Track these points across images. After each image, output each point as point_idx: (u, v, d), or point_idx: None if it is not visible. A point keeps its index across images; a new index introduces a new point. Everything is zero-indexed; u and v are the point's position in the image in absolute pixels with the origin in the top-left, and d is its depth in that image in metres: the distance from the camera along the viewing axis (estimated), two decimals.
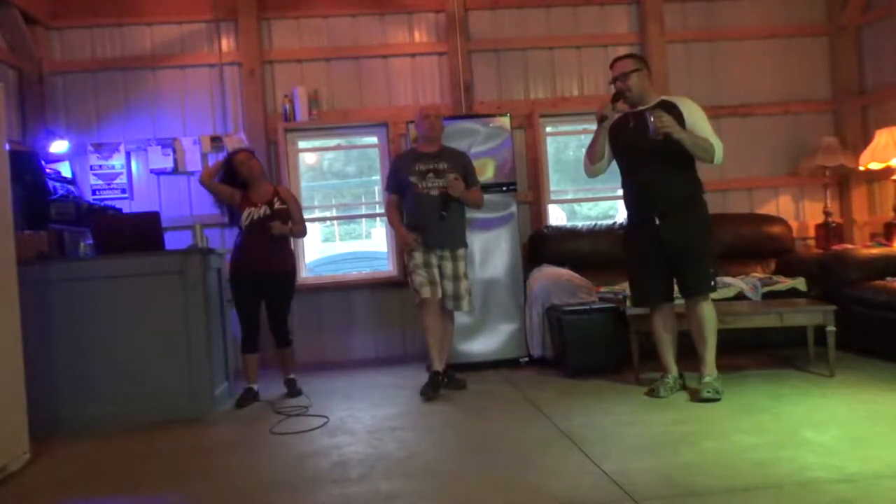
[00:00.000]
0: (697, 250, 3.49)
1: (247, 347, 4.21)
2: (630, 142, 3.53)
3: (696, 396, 3.48)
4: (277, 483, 2.65)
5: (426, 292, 3.98)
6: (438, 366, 4.01)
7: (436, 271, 4.04)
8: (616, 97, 3.55)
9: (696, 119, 3.48)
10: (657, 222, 3.50)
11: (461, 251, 4.13)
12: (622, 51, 5.70)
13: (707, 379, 3.51)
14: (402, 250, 5.46)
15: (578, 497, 2.30)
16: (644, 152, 3.47)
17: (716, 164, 3.49)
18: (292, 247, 4.48)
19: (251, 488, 2.61)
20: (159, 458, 3.10)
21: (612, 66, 3.64)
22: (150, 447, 3.28)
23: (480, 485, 2.49)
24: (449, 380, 4.10)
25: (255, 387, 4.21)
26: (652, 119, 3.32)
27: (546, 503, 2.27)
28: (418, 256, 4.05)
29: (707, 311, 3.52)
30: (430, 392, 3.88)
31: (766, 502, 2.16)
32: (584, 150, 3.77)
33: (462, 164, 4.16)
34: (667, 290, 3.62)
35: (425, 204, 4.04)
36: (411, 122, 4.88)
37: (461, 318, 4.48)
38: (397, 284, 5.52)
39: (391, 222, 4.35)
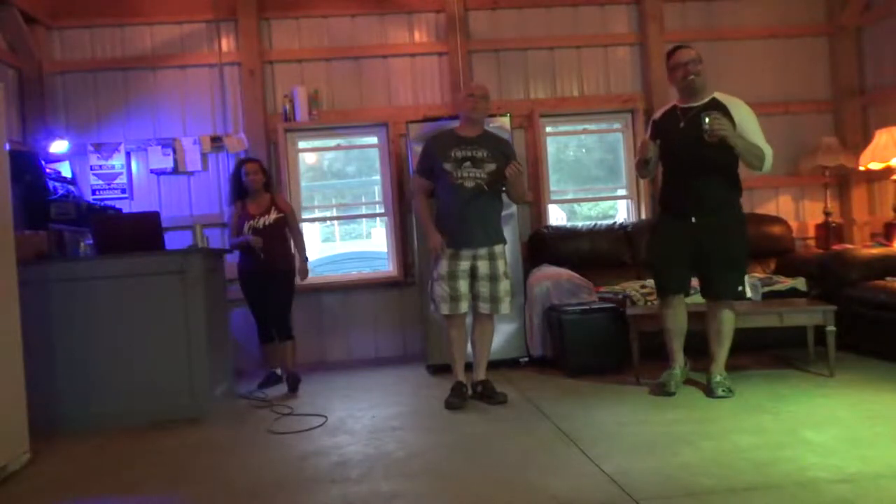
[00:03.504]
0: (729, 254, 3.50)
1: (263, 339, 4.61)
2: (679, 141, 3.49)
3: (709, 394, 3.51)
4: (278, 483, 2.65)
5: (446, 309, 3.69)
6: (461, 376, 3.81)
7: (461, 283, 3.67)
8: (659, 135, 3.59)
9: (747, 123, 3.43)
10: (693, 220, 3.50)
11: (499, 248, 3.74)
12: (622, 50, 5.75)
13: (718, 378, 3.54)
14: (403, 249, 5.51)
15: (578, 497, 2.30)
16: (691, 152, 3.44)
17: (764, 171, 3.47)
18: (292, 249, 4.70)
19: (251, 488, 2.61)
20: (159, 458, 3.09)
21: (672, 56, 3.55)
22: (150, 447, 3.28)
23: (480, 485, 2.49)
24: (488, 394, 3.73)
25: (278, 370, 4.58)
26: (707, 121, 3.28)
27: (546, 503, 2.28)
28: (444, 265, 3.68)
29: (729, 315, 3.57)
30: (455, 401, 3.65)
31: (766, 502, 2.16)
32: (635, 161, 3.77)
33: (503, 152, 3.73)
34: (682, 284, 3.63)
35: (459, 197, 3.65)
36: (411, 121, 4.89)
37: None
38: (397, 284, 5.53)
39: (419, 214, 3.91)
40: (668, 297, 3.65)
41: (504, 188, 3.78)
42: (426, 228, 3.77)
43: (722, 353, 3.60)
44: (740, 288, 3.54)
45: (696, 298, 3.84)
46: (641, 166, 3.68)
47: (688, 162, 3.50)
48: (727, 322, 3.58)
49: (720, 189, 3.51)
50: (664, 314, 3.68)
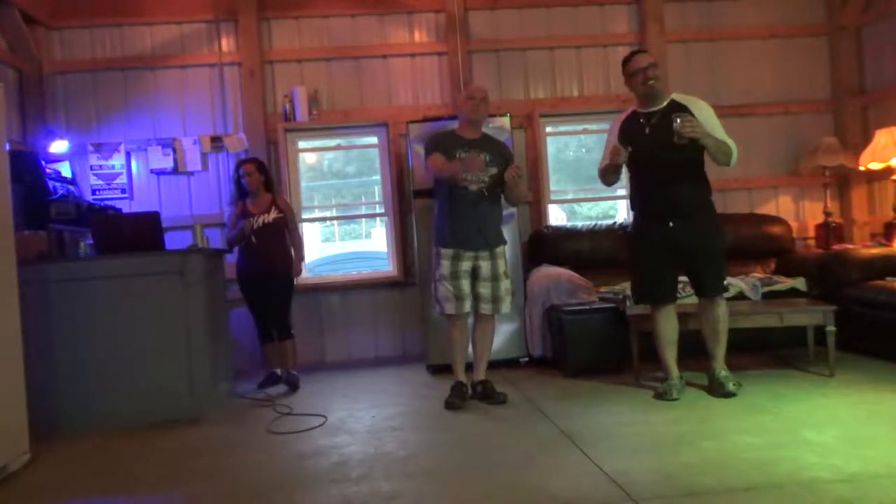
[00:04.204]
0: (713, 252, 3.53)
1: (264, 338, 4.59)
2: (647, 146, 3.48)
3: (719, 389, 3.51)
4: (277, 483, 2.65)
5: (450, 308, 3.69)
6: (462, 377, 3.78)
7: (464, 282, 3.68)
8: (624, 142, 3.52)
9: (710, 121, 3.45)
10: (671, 224, 3.50)
11: (500, 249, 3.77)
12: (622, 50, 5.70)
13: (724, 373, 3.56)
14: (403, 249, 5.51)
15: (578, 497, 2.30)
16: (658, 156, 3.44)
17: (732, 165, 3.50)
18: (291, 250, 4.69)
19: (251, 488, 2.61)
20: (159, 458, 3.10)
21: (630, 61, 3.56)
22: (150, 447, 3.28)
23: (480, 485, 2.49)
24: (487, 393, 3.73)
25: (278, 370, 4.54)
26: (679, 122, 3.27)
27: (546, 503, 2.27)
28: (446, 266, 3.68)
29: (722, 310, 3.59)
30: (455, 402, 3.65)
31: (766, 502, 2.16)
32: (600, 168, 3.68)
33: (503, 156, 3.78)
34: (674, 291, 3.64)
35: (462, 199, 3.66)
36: (411, 121, 4.88)
37: None
38: (397, 284, 5.53)
39: (438, 165, 3.64)
40: (660, 306, 3.63)
41: (502, 191, 3.78)
42: (449, 168, 3.59)
43: (721, 349, 3.61)
44: (724, 282, 3.57)
45: (692, 299, 3.84)
46: (609, 173, 3.61)
47: (658, 167, 3.48)
48: (722, 316, 3.59)
49: (692, 190, 3.52)
50: (655, 323, 3.65)
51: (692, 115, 3.40)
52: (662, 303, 3.63)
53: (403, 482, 2.57)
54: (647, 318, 3.93)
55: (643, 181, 3.62)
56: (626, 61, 3.60)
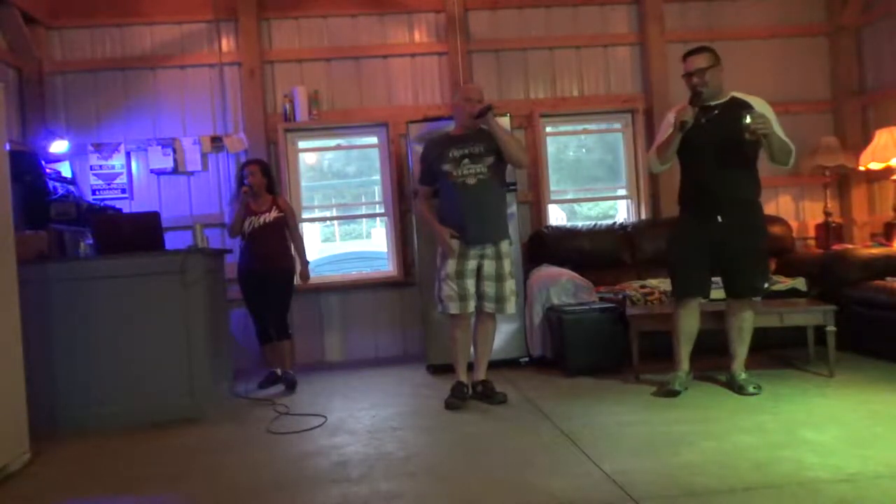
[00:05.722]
0: (758, 253, 3.53)
1: (263, 339, 4.60)
2: (701, 139, 3.43)
3: (740, 391, 3.52)
4: (278, 483, 2.65)
5: (454, 308, 3.66)
6: (463, 377, 3.77)
7: (469, 282, 3.65)
8: (694, 100, 3.43)
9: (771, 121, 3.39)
10: (719, 220, 3.47)
11: (505, 245, 3.73)
12: (622, 50, 5.75)
13: (744, 375, 3.58)
14: (403, 249, 5.52)
15: (578, 497, 2.30)
16: (715, 150, 3.41)
17: (789, 167, 3.48)
18: (292, 251, 4.69)
19: (251, 488, 2.61)
20: (159, 458, 3.10)
21: (685, 60, 3.51)
22: (150, 447, 3.28)
23: (480, 485, 2.49)
24: (487, 393, 3.74)
25: (278, 370, 4.56)
26: (751, 118, 3.23)
27: (546, 503, 2.28)
28: (451, 265, 3.65)
29: (751, 314, 3.61)
30: (455, 401, 3.65)
31: (766, 502, 2.16)
32: (653, 149, 3.61)
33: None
34: (707, 287, 3.60)
35: (462, 195, 3.63)
36: (411, 121, 4.88)
37: None
38: (397, 284, 5.53)
39: (422, 218, 3.87)
40: (687, 300, 3.60)
41: (503, 158, 3.71)
42: (433, 227, 3.73)
43: (744, 350, 3.62)
44: (767, 284, 3.58)
45: (716, 293, 3.80)
46: (670, 146, 3.47)
47: (711, 160, 3.44)
48: (749, 320, 3.60)
49: (743, 187, 3.50)
50: (678, 316, 3.61)
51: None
52: (688, 296, 3.59)
53: (403, 482, 2.57)
54: (647, 318, 3.93)
55: (695, 173, 3.56)
56: (684, 58, 3.54)
